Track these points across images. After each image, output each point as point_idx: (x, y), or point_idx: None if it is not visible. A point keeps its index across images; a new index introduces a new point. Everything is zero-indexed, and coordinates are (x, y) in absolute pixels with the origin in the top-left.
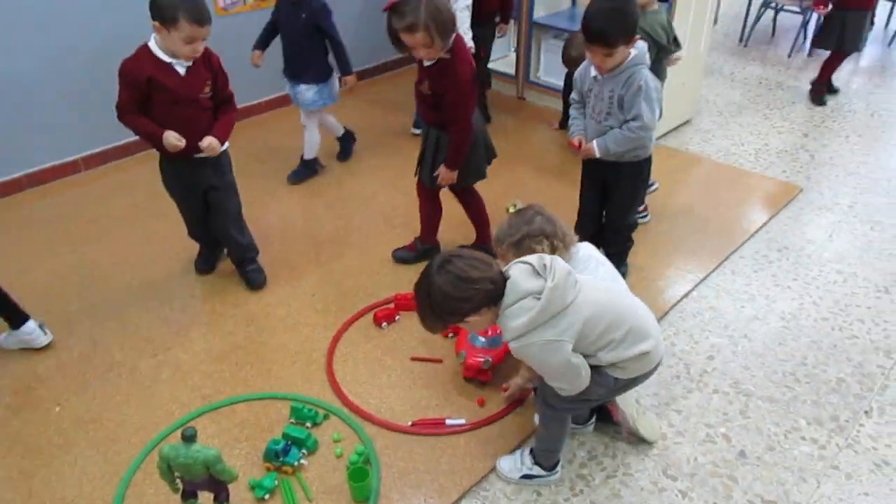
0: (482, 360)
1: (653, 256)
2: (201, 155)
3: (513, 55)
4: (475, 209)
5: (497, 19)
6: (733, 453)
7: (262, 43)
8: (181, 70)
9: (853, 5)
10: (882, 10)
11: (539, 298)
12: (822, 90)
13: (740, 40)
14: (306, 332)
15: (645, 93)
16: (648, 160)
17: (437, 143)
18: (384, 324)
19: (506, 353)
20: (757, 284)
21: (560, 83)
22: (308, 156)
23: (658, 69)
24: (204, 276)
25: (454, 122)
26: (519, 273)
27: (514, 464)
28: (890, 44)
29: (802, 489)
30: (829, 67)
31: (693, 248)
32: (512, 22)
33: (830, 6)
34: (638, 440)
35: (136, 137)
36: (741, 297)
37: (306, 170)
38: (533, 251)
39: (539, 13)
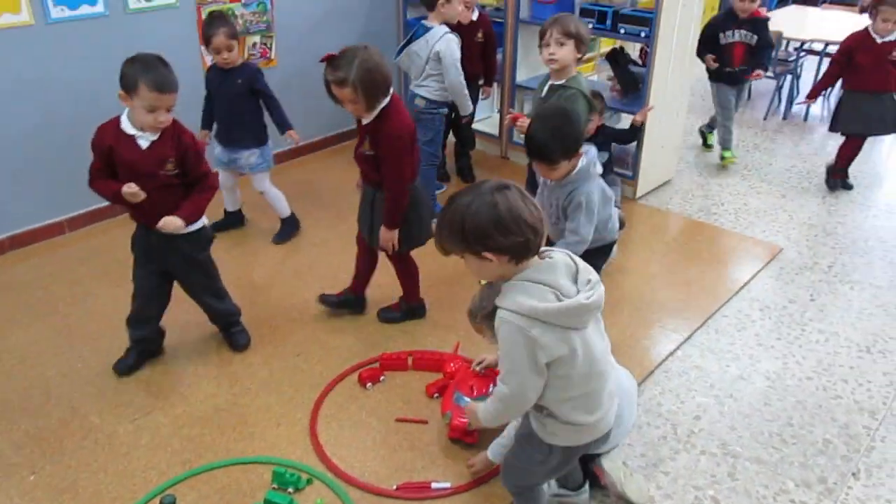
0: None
1: (637, 315)
2: (172, 232)
3: (496, 116)
4: (406, 274)
5: (481, 82)
6: None
7: (207, 122)
8: (143, 143)
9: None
10: None
11: (560, 300)
12: (837, 175)
13: None
14: (290, 394)
15: (586, 208)
16: (613, 242)
17: (372, 202)
18: (369, 384)
19: None
20: (741, 344)
21: None
22: (284, 214)
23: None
24: (186, 336)
25: (389, 182)
26: (560, 263)
27: None
28: None
29: None
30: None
31: (676, 307)
32: (495, 84)
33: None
34: None
35: None
36: (726, 357)
37: (290, 228)
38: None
39: (521, 76)
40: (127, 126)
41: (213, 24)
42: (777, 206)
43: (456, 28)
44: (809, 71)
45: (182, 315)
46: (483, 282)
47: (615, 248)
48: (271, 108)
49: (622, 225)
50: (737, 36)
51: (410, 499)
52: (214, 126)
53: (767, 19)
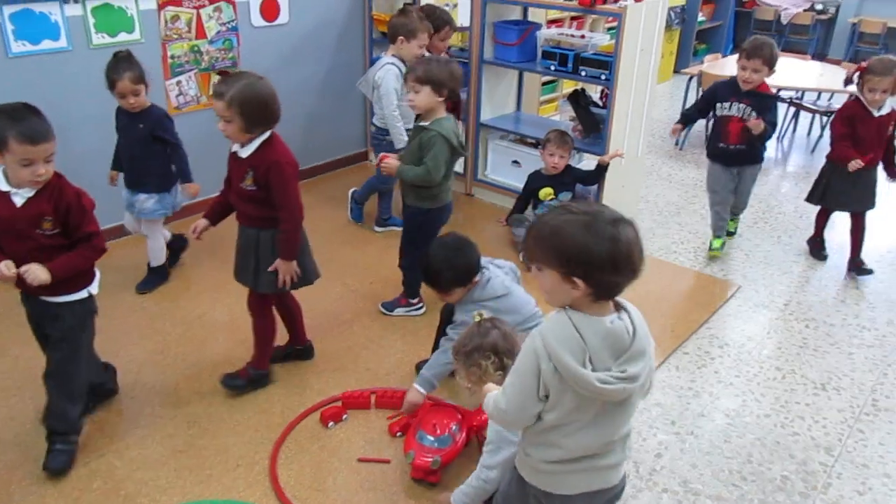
0: (431, 459)
1: None
2: (46, 298)
3: None
4: (289, 314)
5: None
6: None
7: (118, 163)
8: (18, 200)
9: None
10: (804, 118)
11: (584, 363)
12: (815, 244)
13: (676, 144)
14: (250, 434)
15: (466, 326)
16: None
17: (256, 243)
18: (331, 423)
19: (455, 454)
20: (701, 381)
21: (506, 181)
22: (155, 263)
23: (451, 168)
24: (143, 377)
25: (285, 212)
26: (620, 330)
27: None
28: (812, 150)
29: None
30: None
31: None
32: (461, 123)
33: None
34: None
35: None
36: (686, 394)
37: (156, 277)
38: (479, 366)
39: (486, 115)
40: (1, 183)
41: (117, 67)
42: (735, 245)
43: None
44: None
45: (139, 353)
46: (476, 317)
47: None
48: (174, 157)
49: None
50: (734, 110)
51: None
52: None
53: (775, 96)
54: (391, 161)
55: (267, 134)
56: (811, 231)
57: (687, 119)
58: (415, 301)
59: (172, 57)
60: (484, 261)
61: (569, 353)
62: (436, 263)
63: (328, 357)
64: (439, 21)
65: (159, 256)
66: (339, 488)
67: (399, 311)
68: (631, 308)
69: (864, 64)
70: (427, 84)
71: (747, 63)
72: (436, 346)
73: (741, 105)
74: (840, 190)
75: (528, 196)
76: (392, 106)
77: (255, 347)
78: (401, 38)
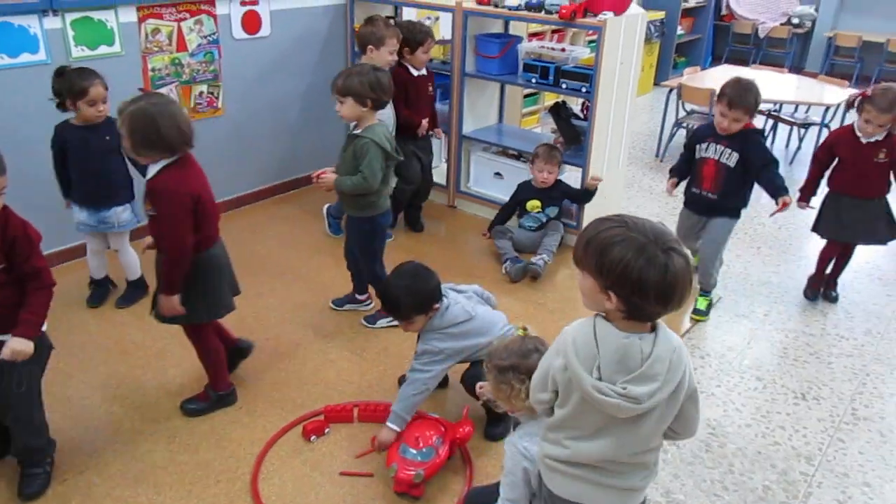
0: (413, 473)
1: None
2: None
3: (444, 165)
4: (205, 354)
5: (430, 132)
6: None
7: (68, 187)
8: None
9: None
10: (782, 130)
11: (591, 373)
12: (815, 284)
13: (656, 155)
14: (231, 449)
15: (429, 355)
16: None
17: (159, 269)
18: (313, 437)
19: (438, 467)
20: None
21: (489, 192)
22: (133, 276)
23: (387, 174)
24: (123, 391)
25: (163, 243)
26: (634, 347)
27: None
28: (791, 162)
29: None
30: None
31: None
32: (444, 135)
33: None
34: None
35: None
36: None
37: (136, 291)
38: (511, 386)
39: (468, 127)
40: None
41: (83, 75)
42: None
43: (413, 80)
44: None
45: (120, 368)
46: (520, 331)
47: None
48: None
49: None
50: (711, 151)
51: None
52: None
53: (759, 132)
54: (327, 175)
55: (170, 159)
56: (791, 242)
57: (677, 172)
58: None
59: (153, 70)
60: (444, 287)
61: (579, 356)
62: (395, 291)
63: (310, 371)
64: (421, 35)
65: (136, 269)
66: (321, 502)
67: (381, 322)
68: (662, 333)
69: (868, 91)
70: (348, 95)
71: (728, 112)
72: None
73: (719, 146)
74: (841, 220)
75: (514, 205)
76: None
77: (207, 372)
78: (370, 46)
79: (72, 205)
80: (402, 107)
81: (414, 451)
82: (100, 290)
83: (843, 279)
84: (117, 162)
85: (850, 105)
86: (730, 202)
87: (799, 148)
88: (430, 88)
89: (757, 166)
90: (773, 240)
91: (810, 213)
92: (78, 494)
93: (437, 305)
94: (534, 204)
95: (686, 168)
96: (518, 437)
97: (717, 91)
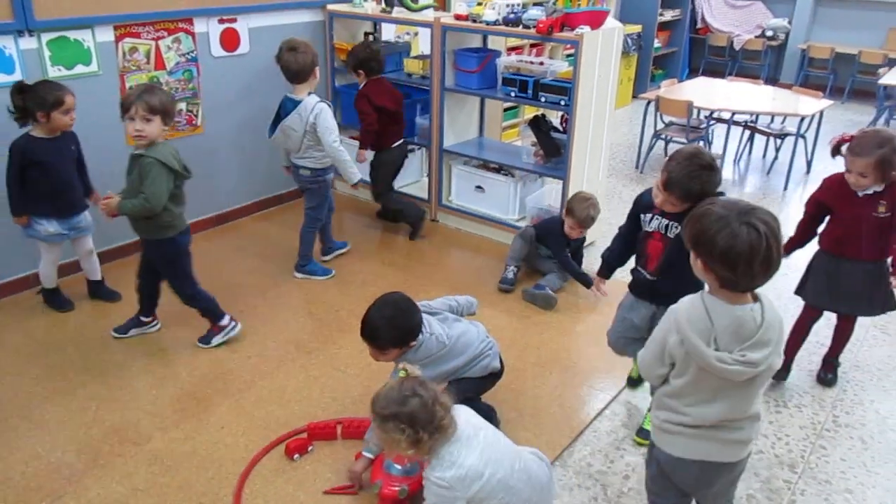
0: (398, 488)
1: (565, 375)
2: None
3: (425, 180)
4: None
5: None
6: None
7: (22, 203)
8: None
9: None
10: (759, 141)
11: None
12: (829, 367)
13: (636, 167)
14: (213, 470)
15: None
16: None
17: None
18: (297, 455)
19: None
20: None
21: (471, 206)
22: (97, 277)
23: (179, 193)
24: (102, 414)
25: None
26: (748, 318)
27: None
28: (768, 172)
29: None
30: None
31: (604, 366)
32: (423, 150)
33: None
34: None
35: None
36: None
37: (111, 292)
38: (391, 436)
39: (449, 141)
40: None
41: (53, 85)
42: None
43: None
44: (719, 137)
45: (98, 389)
46: (402, 373)
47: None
48: (84, 170)
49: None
50: (654, 224)
51: None
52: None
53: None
54: (110, 200)
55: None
56: None
57: (608, 265)
58: (224, 323)
59: (131, 89)
60: (421, 308)
61: (695, 331)
62: (376, 322)
63: (293, 388)
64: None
65: (99, 269)
66: None
67: (216, 339)
68: (766, 301)
69: (848, 135)
70: (158, 114)
71: (660, 194)
72: None
73: (663, 220)
74: (831, 285)
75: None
76: (338, 142)
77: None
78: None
79: (33, 220)
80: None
81: (398, 468)
82: (61, 297)
83: None
84: (76, 170)
85: (834, 152)
86: (682, 289)
87: (776, 158)
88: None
89: None
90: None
91: (788, 219)
92: None
93: (413, 343)
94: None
95: (621, 250)
96: (429, 471)
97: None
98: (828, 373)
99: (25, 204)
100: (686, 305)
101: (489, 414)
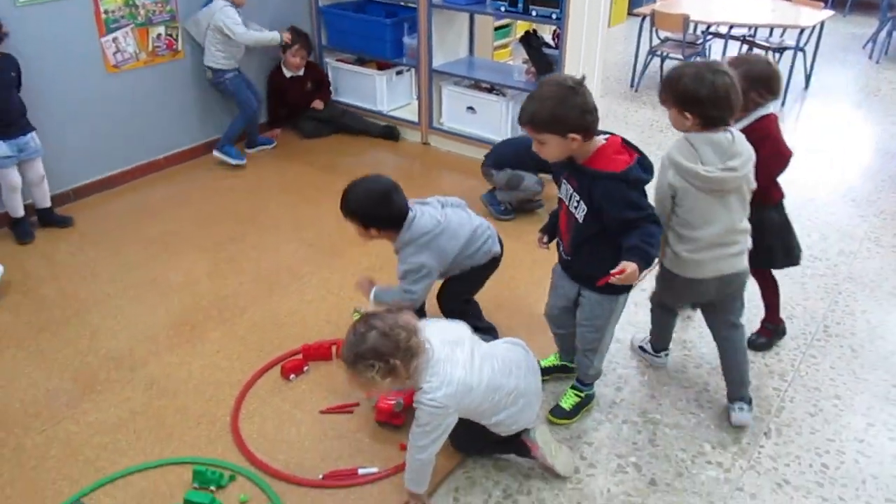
0: (393, 402)
1: None
2: None
3: (415, 103)
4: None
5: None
6: (644, 482)
7: None
8: None
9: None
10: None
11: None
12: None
13: (631, 86)
14: (210, 392)
15: (412, 273)
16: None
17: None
18: (292, 376)
19: None
20: None
21: (462, 128)
22: (47, 204)
23: None
24: (97, 343)
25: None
26: (722, 139)
27: None
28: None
29: None
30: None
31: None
32: (412, 71)
33: None
34: (553, 475)
35: None
36: (644, 329)
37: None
38: (366, 378)
39: (438, 61)
40: None
41: None
42: None
43: (286, 83)
44: (717, 53)
45: (92, 318)
46: (354, 316)
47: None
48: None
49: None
50: (563, 191)
51: (337, 486)
52: None
53: (628, 177)
54: None
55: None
56: None
57: (551, 227)
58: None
59: (106, 12)
60: (411, 202)
61: (683, 156)
62: (359, 192)
63: (287, 312)
64: None
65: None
66: (302, 438)
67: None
68: (734, 130)
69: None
70: None
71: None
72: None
73: (568, 186)
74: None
75: None
76: (246, 32)
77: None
78: None
79: None
80: None
81: None
82: (25, 225)
83: (818, 199)
84: (16, 91)
85: None
86: (594, 270)
87: None
88: (309, 86)
89: (621, 223)
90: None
91: (785, 135)
92: (56, 444)
93: (401, 224)
94: None
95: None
96: (420, 396)
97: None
98: (781, 324)
99: None
100: (672, 147)
101: (491, 333)
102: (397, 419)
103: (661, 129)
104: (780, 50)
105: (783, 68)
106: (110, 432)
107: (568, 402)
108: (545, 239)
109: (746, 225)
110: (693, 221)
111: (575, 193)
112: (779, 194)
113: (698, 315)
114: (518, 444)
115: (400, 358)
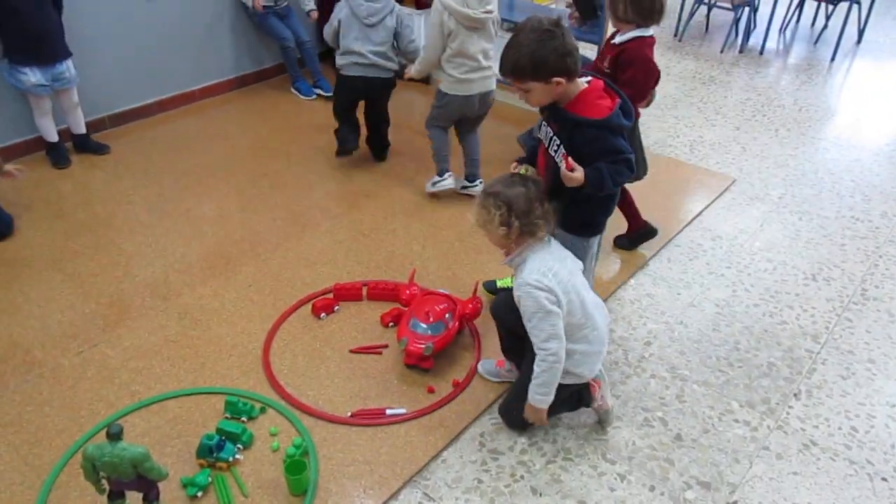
0: (423, 346)
1: None
2: None
3: None
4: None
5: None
6: (670, 437)
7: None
8: None
9: None
10: (808, 8)
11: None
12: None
13: (675, 35)
14: (242, 325)
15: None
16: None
17: None
18: (323, 314)
19: (448, 340)
20: (692, 272)
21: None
22: (82, 130)
23: None
24: (133, 269)
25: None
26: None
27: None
28: (815, 42)
29: (735, 470)
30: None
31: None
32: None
33: None
34: (603, 419)
35: None
36: (677, 285)
37: (97, 144)
38: (488, 210)
39: None
40: None
41: None
42: (731, 138)
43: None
44: (767, 4)
45: (128, 246)
46: (523, 171)
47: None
48: (61, 14)
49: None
50: (543, 133)
51: (365, 425)
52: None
53: (602, 124)
54: None
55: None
56: (810, 124)
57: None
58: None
59: None
60: None
61: (455, 2)
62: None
63: (318, 251)
64: None
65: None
66: (332, 376)
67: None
68: None
69: None
70: None
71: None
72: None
73: (548, 129)
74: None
75: None
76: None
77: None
78: None
79: (17, 70)
80: None
81: (424, 326)
82: (62, 150)
83: (863, 160)
84: (56, 15)
85: None
86: (570, 211)
87: (825, 26)
88: None
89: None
90: (792, 122)
91: (833, 92)
92: (93, 366)
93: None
94: None
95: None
96: (525, 276)
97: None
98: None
99: (6, 51)
100: None
101: None
102: (426, 363)
103: (704, 82)
104: (835, 2)
105: (836, 22)
106: (145, 358)
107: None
108: (518, 167)
109: (494, 52)
110: (457, 53)
111: (555, 137)
112: (637, 113)
113: (731, 273)
114: (582, 386)
115: (521, 223)
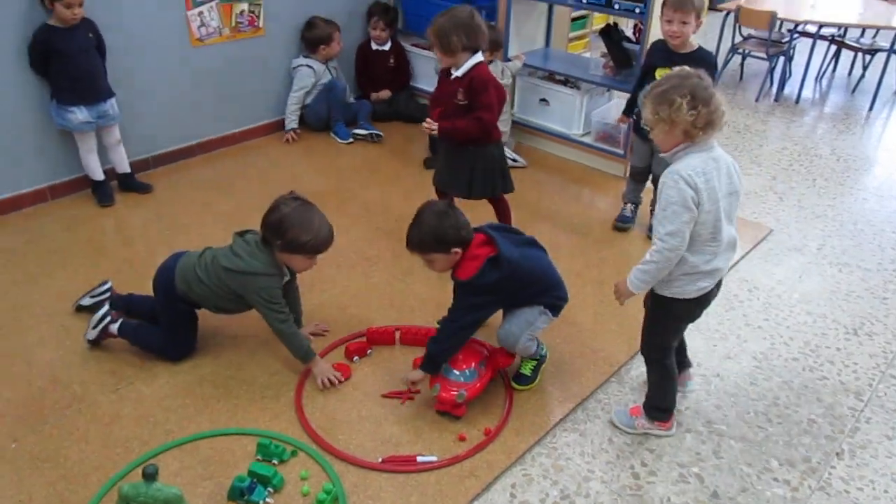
0: (456, 393)
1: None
2: None
3: None
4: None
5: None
6: (706, 494)
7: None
8: None
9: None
10: (845, 58)
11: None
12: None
13: None
14: (276, 367)
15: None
16: None
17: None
18: (356, 358)
19: (481, 389)
20: (728, 324)
21: (534, 120)
22: (127, 169)
23: None
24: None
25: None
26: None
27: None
28: (853, 91)
29: None
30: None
31: None
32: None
33: None
34: (622, 480)
35: None
36: (713, 336)
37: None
38: (671, 103)
39: (514, 51)
40: None
41: None
42: (767, 187)
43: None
44: (802, 53)
45: None
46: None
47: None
48: (105, 58)
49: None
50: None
51: (396, 471)
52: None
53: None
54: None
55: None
56: (848, 174)
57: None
58: None
59: None
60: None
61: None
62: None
63: (353, 293)
64: None
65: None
66: (363, 420)
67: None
68: None
69: None
70: None
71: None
72: None
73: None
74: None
75: (645, 71)
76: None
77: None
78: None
79: (63, 110)
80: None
81: (457, 373)
82: (107, 189)
83: None
84: (100, 58)
85: None
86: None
87: (863, 76)
88: (391, 61)
89: None
90: (829, 172)
91: (871, 142)
92: (129, 403)
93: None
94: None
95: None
96: (680, 167)
97: None
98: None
99: (54, 93)
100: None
101: None
102: (458, 410)
103: (739, 130)
104: (872, 52)
105: (873, 72)
106: (180, 397)
107: (527, 368)
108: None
109: None
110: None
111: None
112: (498, 134)
113: (769, 325)
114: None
115: (707, 110)
